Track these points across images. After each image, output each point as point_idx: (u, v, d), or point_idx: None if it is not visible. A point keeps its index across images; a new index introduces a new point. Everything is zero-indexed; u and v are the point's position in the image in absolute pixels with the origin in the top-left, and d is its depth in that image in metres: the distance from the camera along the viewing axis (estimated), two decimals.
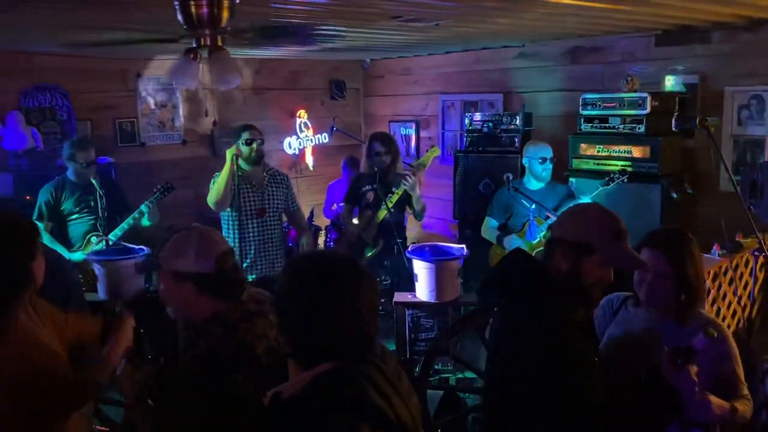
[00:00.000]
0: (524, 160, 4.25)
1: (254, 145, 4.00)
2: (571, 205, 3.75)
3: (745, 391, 2.09)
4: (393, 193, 4.26)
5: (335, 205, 5.91)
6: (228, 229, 4.06)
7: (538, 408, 1.77)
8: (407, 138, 6.84)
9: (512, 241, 4.05)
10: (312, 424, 1.29)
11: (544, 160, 4.12)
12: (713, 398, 1.94)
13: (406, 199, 4.33)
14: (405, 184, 4.14)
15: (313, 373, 1.36)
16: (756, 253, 3.33)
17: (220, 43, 3.22)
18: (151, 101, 5.89)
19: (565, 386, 1.75)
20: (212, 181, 4.06)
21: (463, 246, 3.63)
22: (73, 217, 4.19)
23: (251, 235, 4.05)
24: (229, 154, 3.94)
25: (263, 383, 1.64)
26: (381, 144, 4.38)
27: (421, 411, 1.51)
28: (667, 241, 2.11)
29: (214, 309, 1.81)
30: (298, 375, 1.39)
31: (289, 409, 1.34)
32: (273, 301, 1.45)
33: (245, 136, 4.02)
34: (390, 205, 4.21)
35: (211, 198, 3.97)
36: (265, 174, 4.15)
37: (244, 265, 3.98)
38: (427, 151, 4.45)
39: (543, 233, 3.97)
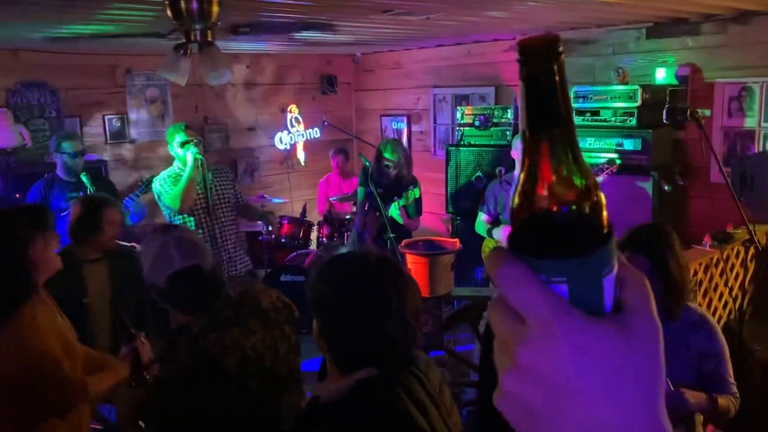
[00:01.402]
0: (512, 153, 4.26)
1: (189, 147, 3.77)
2: None
3: (734, 389, 2.10)
4: (395, 201, 4.21)
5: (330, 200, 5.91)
6: None
7: None
8: (399, 132, 6.83)
9: (502, 232, 4.06)
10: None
11: None
12: (687, 392, 1.97)
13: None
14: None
15: (351, 379, 1.31)
16: (747, 243, 3.35)
17: (210, 38, 3.20)
18: (141, 97, 5.85)
19: None
20: (162, 180, 3.88)
21: (456, 240, 3.63)
22: (62, 214, 4.16)
23: (206, 235, 3.88)
24: (192, 156, 3.74)
25: (233, 397, 1.63)
26: (390, 156, 4.30)
27: (461, 427, 1.45)
28: (647, 241, 2.11)
29: (178, 320, 1.78)
30: (338, 380, 1.34)
31: (324, 415, 1.31)
32: (313, 304, 1.37)
33: (179, 138, 3.82)
34: (390, 212, 4.17)
35: (174, 202, 3.76)
36: (208, 172, 3.96)
37: None
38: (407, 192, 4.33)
39: None
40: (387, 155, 4.31)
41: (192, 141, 3.81)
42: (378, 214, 4.37)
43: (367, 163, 4.36)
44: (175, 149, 3.87)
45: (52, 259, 2.06)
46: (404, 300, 1.31)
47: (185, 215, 3.87)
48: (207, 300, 1.77)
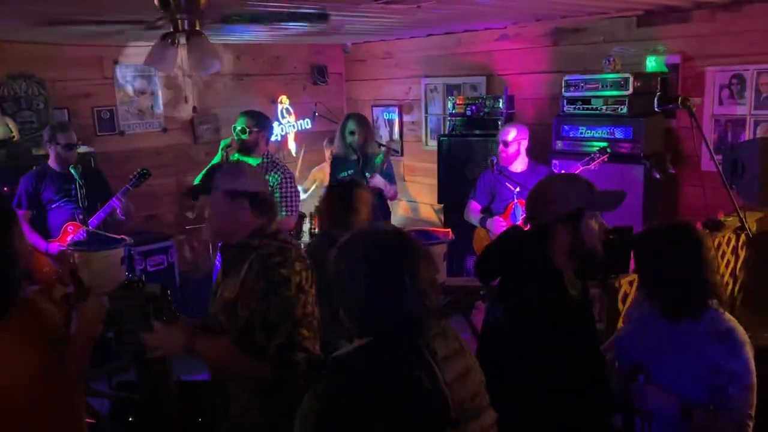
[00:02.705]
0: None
1: (236, 135, 3.85)
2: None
3: (740, 418, 1.89)
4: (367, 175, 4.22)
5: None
6: None
7: (531, 390, 1.79)
8: (390, 123, 6.81)
9: (495, 224, 4.06)
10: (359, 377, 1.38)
11: (506, 143, 4.14)
12: (656, 391, 1.93)
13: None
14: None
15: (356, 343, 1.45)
16: (738, 231, 3.36)
17: (198, 28, 3.16)
18: (130, 88, 5.79)
19: (559, 370, 1.77)
20: None
21: (449, 230, 3.63)
22: (53, 206, 4.13)
23: None
24: (222, 144, 3.88)
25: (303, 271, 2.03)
26: (354, 123, 4.33)
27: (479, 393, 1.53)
28: (664, 238, 2.08)
29: (255, 226, 2.12)
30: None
31: (337, 363, 1.44)
32: (333, 281, 1.49)
33: (236, 125, 3.90)
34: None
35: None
36: (263, 162, 3.90)
37: None
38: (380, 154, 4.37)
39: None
40: (349, 129, 4.32)
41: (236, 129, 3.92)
42: None
43: (335, 151, 4.43)
44: None
45: (26, 246, 2.00)
46: (417, 273, 1.42)
47: None
48: (275, 209, 2.23)
